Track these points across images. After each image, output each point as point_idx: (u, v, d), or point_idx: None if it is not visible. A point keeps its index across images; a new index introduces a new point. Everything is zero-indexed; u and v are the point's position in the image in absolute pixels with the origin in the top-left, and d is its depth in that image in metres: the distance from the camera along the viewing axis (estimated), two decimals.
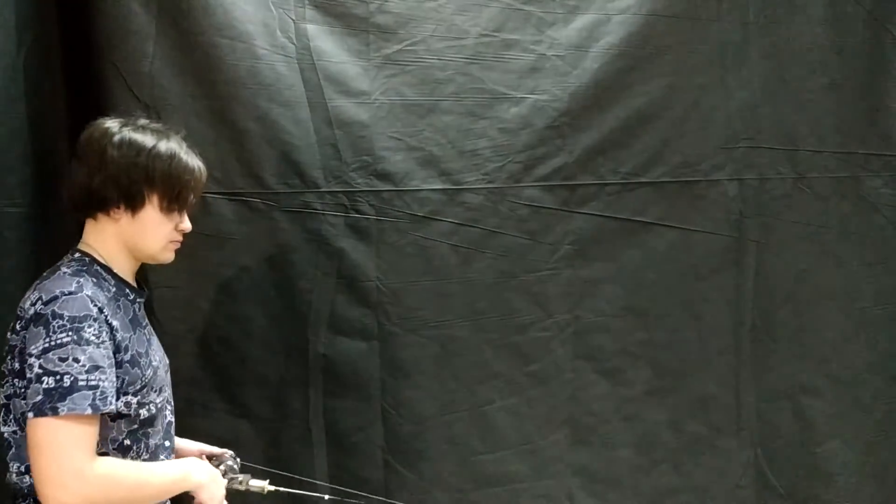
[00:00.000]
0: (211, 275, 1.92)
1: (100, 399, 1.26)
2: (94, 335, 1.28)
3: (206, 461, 1.53)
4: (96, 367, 1.27)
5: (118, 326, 1.34)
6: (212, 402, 1.95)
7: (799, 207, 2.26)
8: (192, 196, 1.44)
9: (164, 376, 1.48)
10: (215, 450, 1.63)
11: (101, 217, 1.40)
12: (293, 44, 1.91)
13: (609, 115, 2.09)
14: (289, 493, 1.59)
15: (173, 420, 1.50)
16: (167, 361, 1.52)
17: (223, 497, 1.49)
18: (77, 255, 1.40)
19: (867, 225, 2.31)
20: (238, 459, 1.61)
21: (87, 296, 1.29)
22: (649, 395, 2.19)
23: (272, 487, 1.56)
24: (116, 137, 1.37)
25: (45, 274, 1.37)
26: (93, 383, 1.26)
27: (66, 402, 1.23)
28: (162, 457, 1.45)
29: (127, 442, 1.37)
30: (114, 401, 1.29)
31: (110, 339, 1.32)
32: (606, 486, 2.18)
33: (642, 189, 2.14)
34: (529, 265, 2.08)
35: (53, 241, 1.69)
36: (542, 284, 2.09)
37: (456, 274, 2.03)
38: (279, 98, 1.90)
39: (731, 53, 2.17)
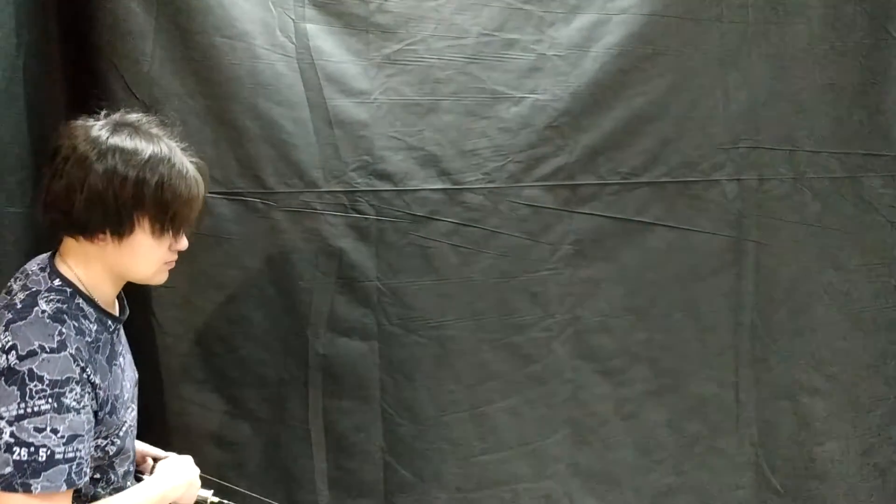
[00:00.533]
0: (210, 275, 1.92)
1: (76, 472, 1.16)
2: (75, 400, 1.15)
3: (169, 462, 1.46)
4: (75, 437, 1.15)
5: (99, 381, 1.22)
6: (211, 402, 1.95)
7: (799, 207, 2.25)
8: (189, 216, 1.28)
9: (133, 393, 1.39)
10: (161, 453, 1.55)
11: (83, 239, 1.23)
12: (293, 43, 1.91)
13: (609, 115, 2.09)
14: None
15: (135, 436, 1.43)
16: (137, 377, 1.45)
17: (198, 479, 1.46)
18: (57, 282, 1.23)
19: (867, 225, 2.31)
20: None
21: (70, 355, 1.15)
22: (649, 395, 2.19)
23: (216, 499, 1.52)
24: (104, 147, 1.20)
25: (16, 302, 1.19)
26: (70, 455, 1.14)
27: (41, 478, 1.11)
28: (129, 483, 1.37)
29: (97, 476, 1.29)
30: (89, 471, 1.20)
31: (92, 399, 1.20)
32: (606, 486, 2.18)
33: (642, 189, 2.14)
34: (529, 265, 2.08)
35: (53, 241, 1.68)
36: (542, 284, 2.09)
37: (456, 274, 2.02)
38: (278, 97, 1.90)
39: (731, 54, 2.17)
